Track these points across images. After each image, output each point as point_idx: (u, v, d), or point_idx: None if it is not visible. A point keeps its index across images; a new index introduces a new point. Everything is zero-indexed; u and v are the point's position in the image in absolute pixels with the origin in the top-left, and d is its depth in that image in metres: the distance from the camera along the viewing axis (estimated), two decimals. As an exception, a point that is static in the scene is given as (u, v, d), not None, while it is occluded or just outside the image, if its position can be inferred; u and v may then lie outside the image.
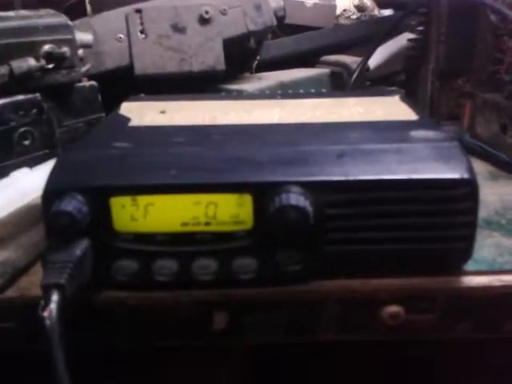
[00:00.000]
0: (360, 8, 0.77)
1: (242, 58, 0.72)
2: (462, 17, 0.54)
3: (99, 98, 0.53)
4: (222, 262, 0.30)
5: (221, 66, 0.60)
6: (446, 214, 0.29)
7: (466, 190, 0.29)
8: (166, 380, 0.41)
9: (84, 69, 0.52)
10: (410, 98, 0.45)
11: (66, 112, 0.50)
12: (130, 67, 0.58)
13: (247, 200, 0.29)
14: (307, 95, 0.48)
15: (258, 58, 0.74)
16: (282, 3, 0.64)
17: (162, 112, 0.43)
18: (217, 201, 0.30)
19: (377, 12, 0.80)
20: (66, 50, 0.46)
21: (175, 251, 0.30)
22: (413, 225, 0.29)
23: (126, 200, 0.30)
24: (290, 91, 0.56)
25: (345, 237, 0.30)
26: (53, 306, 0.26)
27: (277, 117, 0.40)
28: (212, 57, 0.60)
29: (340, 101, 0.44)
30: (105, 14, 0.59)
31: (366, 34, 0.73)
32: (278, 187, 0.29)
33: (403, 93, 0.47)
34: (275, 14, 0.63)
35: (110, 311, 0.30)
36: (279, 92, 0.54)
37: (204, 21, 0.59)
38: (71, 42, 0.47)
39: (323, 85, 0.70)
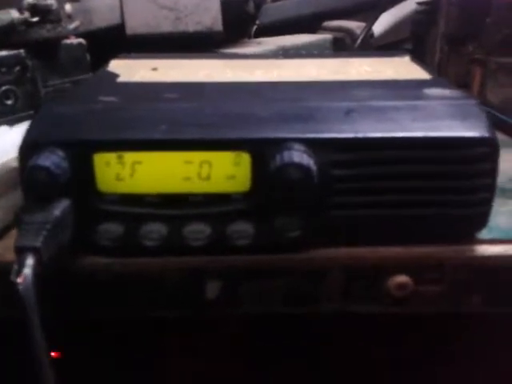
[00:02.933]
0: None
1: (240, 22, 0.68)
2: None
3: (87, 57, 0.49)
4: (215, 226, 0.27)
5: (218, 27, 0.57)
6: (464, 176, 0.27)
7: (486, 149, 0.26)
8: (156, 352, 0.39)
9: (72, 26, 0.48)
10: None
11: (51, 71, 0.46)
12: (121, 26, 0.55)
13: (245, 159, 0.27)
14: (311, 55, 0.45)
15: (257, 22, 0.71)
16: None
17: (154, 69, 0.39)
18: (211, 159, 0.27)
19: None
20: (51, 2, 0.43)
21: (165, 214, 0.27)
22: (426, 187, 0.27)
23: (110, 157, 0.27)
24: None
25: (351, 200, 0.27)
26: (27, 270, 0.23)
27: (279, 75, 0.37)
28: (209, 17, 0.56)
29: (346, 61, 0.41)
30: (95, -31, 0.55)
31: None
32: (280, 144, 0.26)
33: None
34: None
35: (92, 278, 0.27)
36: (280, 53, 0.50)
37: (201, -22, 0.55)
38: (57, -6, 0.44)
39: (325, 50, 0.67)
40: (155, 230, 0.27)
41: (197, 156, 0.27)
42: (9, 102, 0.44)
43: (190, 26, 0.56)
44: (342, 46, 0.67)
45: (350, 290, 0.27)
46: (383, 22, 0.67)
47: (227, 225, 0.27)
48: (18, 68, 0.44)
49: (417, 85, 0.33)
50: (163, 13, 0.55)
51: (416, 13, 0.59)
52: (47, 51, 0.46)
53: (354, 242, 0.28)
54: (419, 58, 0.58)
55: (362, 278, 0.27)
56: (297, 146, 0.26)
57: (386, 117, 0.28)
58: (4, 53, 0.43)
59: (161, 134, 0.27)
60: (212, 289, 0.27)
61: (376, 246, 0.28)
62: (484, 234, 0.28)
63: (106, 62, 0.44)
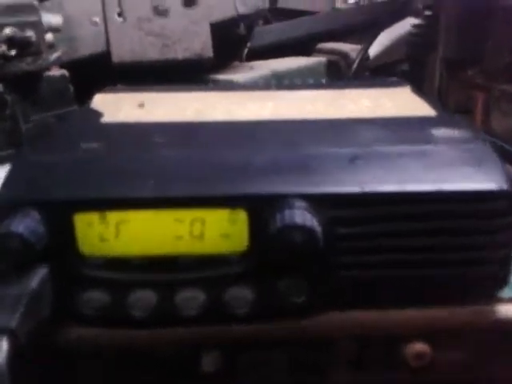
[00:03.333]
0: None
1: (231, 45, 0.66)
2: (475, 1, 0.48)
3: (71, 88, 0.47)
4: (210, 292, 0.24)
5: (208, 52, 0.55)
6: (481, 232, 0.24)
7: (505, 202, 0.24)
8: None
9: (54, 56, 0.46)
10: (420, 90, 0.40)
11: (33, 105, 0.44)
12: (106, 54, 0.52)
13: (241, 216, 0.24)
14: (305, 86, 0.43)
15: (249, 45, 0.69)
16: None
17: (141, 105, 0.37)
18: (204, 217, 0.24)
19: (376, -5, 0.75)
20: (30, 33, 0.41)
21: (154, 280, 0.25)
22: (441, 245, 0.24)
23: (93, 217, 0.24)
24: (285, 82, 0.51)
25: (360, 260, 0.24)
26: (1, 357, 0.20)
27: (272, 111, 0.35)
28: (198, 42, 0.54)
29: (343, 92, 0.39)
30: (78, -6, 0.53)
31: (366, 20, 0.68)
32: (279, 201, 0.24)
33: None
34: (267, -5, 0.57)
35: (77, 352, 0.25)
36: (273, 82, 0.48)
37: (189, 2, 0.53)
38: (37, 25, 0.41)
39: (319, 75, 0.65)
40: (144, 298, 0.24)
41: (188, 214, 0.24)
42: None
43: (179, 52, 0.54)
44: (336, 70, 0.65)
45: (362, 361, 0.24)
46: (377, 44, 0.65)
47: (224, 290, 0.24)
48: (-5, 104, 0.41)
49: (423, 124, 0.30)
50: (150, 39, 0.53)
51: (411, 35, 0.57)
52: (28, 84, 0.43)
53: (364, 305, 0.25)
54: (417, 81, 0.57)
55: (375, 347, 0.24)
56: (298, 203, 0.23)
57: (393, 165, 0.25)
58: (-20, 89, 0.40)
59: (148, 191, 0.24)
60: (208, 362, 0.24)
61: (388, 309, 0.25)
62: (506, 292, 0.26)
63: (91, 93, 0.41)
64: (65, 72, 0.46)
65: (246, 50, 0.71)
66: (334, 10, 0.72)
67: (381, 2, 0.74)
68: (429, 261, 0.25)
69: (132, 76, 0.56)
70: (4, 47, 0.39)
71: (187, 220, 0.24)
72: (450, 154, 0.26)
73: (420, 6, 0.55)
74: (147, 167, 0.26)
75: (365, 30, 0.70)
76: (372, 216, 0.24)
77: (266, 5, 0.56)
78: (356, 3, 0.72)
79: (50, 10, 0.48)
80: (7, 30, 0.39)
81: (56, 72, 0.45)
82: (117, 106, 0.37)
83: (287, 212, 0.23)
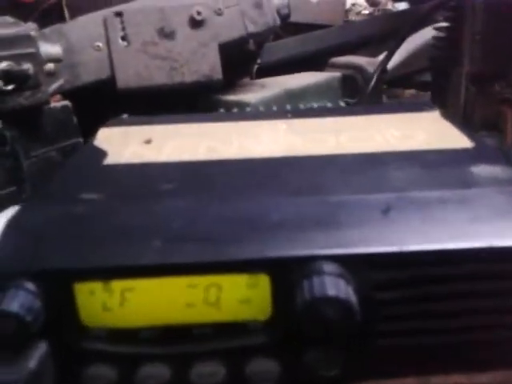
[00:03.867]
0: (372, 2, 0.68)
1: (240, 62, 0.63)
2: (501, 12, 0.45)
3: (74, 119, 0.44)
4: (230, 365, 0.22)
5: (217, 74, 0.52)
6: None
7: None
8: None
9: (54, 86, 0.44)
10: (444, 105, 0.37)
11: (34, 139, 0.41)
12: (110, 80, 0.50)
13: (263, 280, 0.21)
14: (324, 112, 0.40)
15: (259, 61, 0.66)
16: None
17: (147, 142, 0.34)
18: (220, 282, 0.21)
19: (390, 6, 0.71)
20: (28, 66, 0.38)
21: (165, 352, 0.22)
22: (491, 307, 0.21)
23: (95, 285, 0.21)
24: (302, 105, 0.48)
25: (400, 327, 0.21)
26: None
27: (290, 145, 0.32)
28: (207, 65, 0.51)
29: (367, 119, 0.36)
30: (80, 18, 0.50)
31: (380, 32, 0.65)
32: (306, 264, 0.21)
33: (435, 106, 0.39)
34: (278, 12, 0.54)
35: None
36: (288, 106, 0.45)
37: (196, 23, 0.50)
38: (35, 57, 0.39)
39: (334, 91, 0.62)
40: (155, 374, 0.22)
41: (201, 279, 0.21)
42: (-15, 183, 0.39)
43: (187, 75, 0.51)
44: (352, 85, 0.62)
45: None
46: (396, 55, 0.62)
47: (245, 363, 0.22)
48: (-7, 142, 0.39)
49: (460, 159, 0.27)
50: (156, 63, 0.50)
51: (433, 47, 0.54)
52: (28, 119, 0.41)
53: (402, 374, 0.22)
54: (441, 95, 0.53)
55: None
56: (328, 266, 0.20)
57: (433, 216, 0.22)
58: (-23, 126, 0.38)
59: (155, 256, 0.21)
60: None
61: (429, 376, 0.22)
62: None
63: (96, 121, 0.39)
64: (67, 103, 0.44)
65: (255, 67, 0.68)
66: (347, 22, 0.68)
67: (394, 13, 0.71)
68: (477, 325, 0.21)
69: (138, 102, 0.53)
70: (0, 82, 0.37)
71: (201, 286, 0.21)
72: (496, 200, 0.23)
73: (440, 17, 0.52)
74: (154, 224, 0.23)
75: (378, 43, 0.67)
76: (413, 278, 0.21)
77: (278, 22, 0.53)
78: (369, 15, 0.68)
79: (49, 38, 0.45)
80: (3, 64, 0.37)
81: (58, 103, 0.43)
82: (122, 143, 0.34)
83: (316, 280, 0.20)
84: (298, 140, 0.33)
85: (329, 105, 0.50)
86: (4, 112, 0.38)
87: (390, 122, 0.35)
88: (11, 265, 0.21)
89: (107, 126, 0.39)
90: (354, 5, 0.69)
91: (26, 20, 0.65)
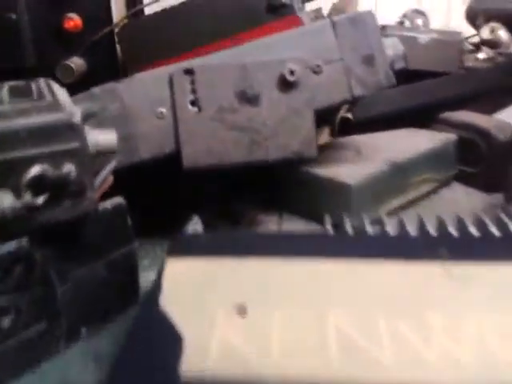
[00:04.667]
0: (492, 43, 0.54)
1: (327, 113, 0.51)
2: None
3: (129, 222, 0.33)
4: None
5: (311, 150, 0.40)
6: None
7: None
8: None
9: (103, 174, 0.32)
10: None
11: (73, 257, 0.30)
12: (174, 156, 0.39)
13: None
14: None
15: (350, 115, 0.54)
16: (401, 49, 0.42)
17: (241, 311, 0.22)
18: None
19: (513, 48, 0.58)
20: (69, 169, 0.27)
21: None
22: None
23: None
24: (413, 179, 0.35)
25: None
26: None
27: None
28: (298, 138, 0.39)
29: None
30: (139, 76, 0.39)
31: (506, 84, 0.51)
32: None
33: None
34: (392, 66, 0.41)
35: None
36: (432, 227, 0.32)
37: (287, 85, 0.39)
38: (79, 154, 0.27)
39: (449, 158, 0.49)
40: None
41: None
42: (5, 324, 0.28)
43: (272, 152, 0.39)
44: (471, 149, 0.49)
45: None
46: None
47: None
48: (18, 268, 0.28)
49: None
50: (233, 135, 0.39)
51: None
52: (66, 232, 0.30)
53: None
54: None
55: None
56: None
57: None
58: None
59: None
60: None
61: None
62: None
63: (155, 215, 0.28)
64: (121, 202, 0.32)
65: (339, 117, 0.56)
66: (465, 69, 0.55)
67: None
68: None
69: (208, 182, 0.42)
70: (28, 196, 0.26)
71: None
72: None
73: None
74: None
75: (498, 95, 0.53)
76: None
77: (393, 81, 0.40)
78: (487, 60, 0.54)
79: (103, 98, 0.34)
80: (34, 170, 0.26)
81: (109, 203, 0.32)
82: (203, 307, 0.23)
83: None
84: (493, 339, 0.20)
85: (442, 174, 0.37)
86: (33, 229, 0.28)
87: None
88: None
89: (175, 250, 0.27)
90: (475, 47, 0.55)
91: (71, 54, 0.55)
